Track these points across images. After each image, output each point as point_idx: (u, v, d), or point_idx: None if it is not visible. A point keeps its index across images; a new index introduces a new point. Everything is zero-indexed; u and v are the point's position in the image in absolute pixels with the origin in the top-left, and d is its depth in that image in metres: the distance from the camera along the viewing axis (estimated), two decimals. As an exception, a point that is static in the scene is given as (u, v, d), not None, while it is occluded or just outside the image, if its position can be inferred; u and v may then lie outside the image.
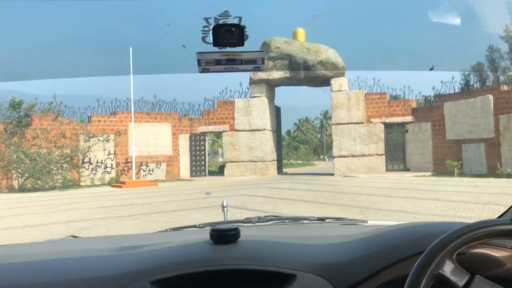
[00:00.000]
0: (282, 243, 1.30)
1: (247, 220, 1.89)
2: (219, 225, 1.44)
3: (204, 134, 26.50)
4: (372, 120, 24.11)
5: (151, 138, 24.70)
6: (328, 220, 1.94)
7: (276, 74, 25.15)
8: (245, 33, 0.93)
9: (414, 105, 24.17)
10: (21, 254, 1.49)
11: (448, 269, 0.88)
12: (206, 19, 0.96)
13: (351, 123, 24.33)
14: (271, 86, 26.65)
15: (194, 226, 1.87)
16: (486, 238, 0.90)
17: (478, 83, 24.88)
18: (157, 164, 24.91)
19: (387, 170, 24.11)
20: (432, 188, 14.66)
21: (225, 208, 2.17)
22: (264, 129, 25.51)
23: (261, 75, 25.37)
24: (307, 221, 1.92)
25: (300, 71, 24.30)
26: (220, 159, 37.38)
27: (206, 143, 26.99)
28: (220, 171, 28.36)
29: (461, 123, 21.34)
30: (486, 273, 1.09)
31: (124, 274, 1.14)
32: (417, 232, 1.23)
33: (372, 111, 24.21)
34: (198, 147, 26.29)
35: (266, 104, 25.59)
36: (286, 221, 1.96)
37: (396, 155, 24.37)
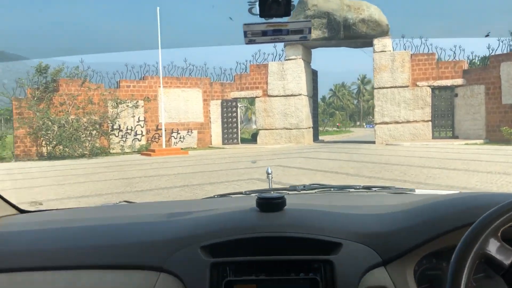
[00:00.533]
0: (327, 212, 1.30)
1: (292, 188, 1.86)
2: (265, 193, 1.40)
3: (236, 100, 25.21)
4: (418, 83, 22.08)
5: (181, 104, 23.64)
6: (374, 189, 1.89)
7: (314, 34, 23.28)
8: (292, 3, 0.94)
9: (466, 66, 21.91)
10: (78, 218, 1.60)
11: (493, 248, 0.84)
12: None
13: (395, 87, 22.39)
14: (307, 47, 24.85)
15: (241, 193, 1.87)
16: None
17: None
18: (188, 131, 23.94)
19: (433, 137, 22.22)
20: (493, 158, 12.93)
21: (270, 175, 2.14)
22: (300, 94, 23.96)
23: (297, 35, 23.63)
24: (353, 190, 1.89)
25: (339, 30, 22.35)
26: (254, 126, 36.11)
27: (239, 109, 25.72)
28: (254, 138, 27.17)
29: (521, 85, 19.10)
30: None
31: (176, 239, 1.20)
32: (465, 203, 1.20)
33: (418, 74, 22.16)
34: (230, 114, 25.08)
35: (302, 67, 23.93)
36: (332, 189, 1.95)
37: (444, 121, 22.36)
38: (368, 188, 1.90)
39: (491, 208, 0.86)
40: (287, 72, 24.04)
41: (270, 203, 1.26)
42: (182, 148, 21.61)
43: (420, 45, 22.21)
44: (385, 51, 22.43)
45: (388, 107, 22.53)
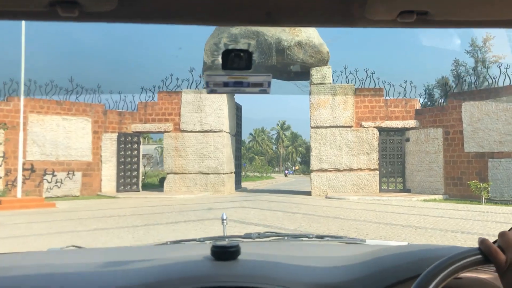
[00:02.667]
0: (281, 263, 1.30)
1: (247, 236, 1.85)
2: (219, 240, 1.51)
3: (138, 134, 19.73)
4: (363, 123, 18.18)
5: (61, 136, 17.66)
6: (327, 238, 1.92)
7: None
8: (253, 58, 0.96)
9: (418, 106, 18.45)
10: (20, 264, 1.49)
11: None
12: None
13: (336, 127, 18.30)
14: (231, 75, 20.28)
15: (195, 240, 1.85)
16: (458, 272, 0.84)
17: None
18: (68, 173, 17.86)
19: (380, 190, 18.18)
20: (477, 226, 8.72)
21: (225, 221, 2.09)
22: (221, 131, 19.08)
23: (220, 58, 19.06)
24: (306, 239, 1.91)
25: (271, 55, 18.07)
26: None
27: (141, 146, 20.17)
28: (162, 184, 21.62)
29: (488, 130, 15.72)
30: None
31: None
32: (412, 255, 1.24)
33: (363, 112, 18.30)
34: (130, 152, 19.47)
35: (223, 98, 19.19)
36: (285, 238, 1.94)
37: (393, 171, 18.48)
38: (321, 237, 1.92)
39: (437, 260, 0.85)
40: (205, 103, 19.16)
41: (224, 252, 1.26)
42: (46, 198, 15.51)
43: (365, 78, 18.50)
44: (324, 84, 18.43)
45: (328, 151, 18.28)
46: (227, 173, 19.42)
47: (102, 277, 1.24)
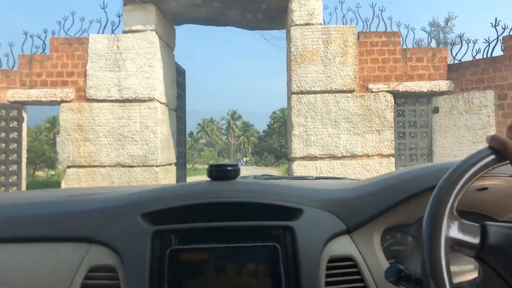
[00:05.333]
0: (286, 184, 1.21)
1: (243, 178, 1.65)
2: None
3: (19, 105, 12.42)
4: (371, 86, 11.88)
5: None
6: (329, 180, 1.84)
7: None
8: None
9: (451, 58, 12.33)
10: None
11: (455, 230, 0.75)
12: None
13: (331, 92, 11.88)
14: (167, 15, 13.34)
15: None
16: (473, 179, 0.77)
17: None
18: None
19: (396, 186, 12.00)
20: None
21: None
22: (152, 100, 12.17)
23: (147, -14, 12.20)
24: (306, 180, 1.82)
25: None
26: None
27: (24, 124, 12.81)
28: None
29: None
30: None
31: (111, 208, 1.07)
32: (427, 169, 1.15)
33: (371, 69, 12.01)
34: (4, 134, 12.17)
35: (156, 49, 12.28)
36: (284, 180, 1.83)
37: (415, 157, 12.31)
38: (324, 178, 1.89)
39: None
40: (126, 56, 12.16)
41: (222, 170, 1.16)
42: None
43: (371, 18, 12.18)
44: (311, 24, 11.93)
45: (318, 128, 11.85)
46: (163, 165, 12.58)
47: (81, 200, 1.17)
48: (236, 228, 1.03)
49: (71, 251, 1.03)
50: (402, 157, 12.24)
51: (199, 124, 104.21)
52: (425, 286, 0.72)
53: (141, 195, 1.10)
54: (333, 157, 11.82)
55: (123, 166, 12.05)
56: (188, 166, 23.83)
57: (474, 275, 0.90)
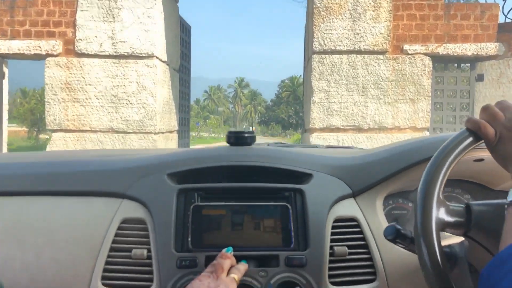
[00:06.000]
0: (297, 151, 1.31)
1: (256, 145, 1.69)
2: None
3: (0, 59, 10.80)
4: (407, 47, 10.10)
5: None
6: (338, 148, 1.96)
7: None
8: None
9: (502, 17, 10.51)
10: (33, 156, 1.51)
11: (443, 213, 0.80)
12: None
13: (359, 52, 10.13)
14: (171, -41, 11.46)
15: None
16: (455, 161, 0.81)
17: None
18: None
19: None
20: None
21: None
22: (151, 56, 10.50)
23: None
24: (318, 148, 1.90)
25: None
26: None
27: (5, 81, 11.22)
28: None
29: None
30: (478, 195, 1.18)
31: (140, 167, 1.16)
32: (428, 140, 1.20)
33: (407, 27, 10.22)
34: (-19, 91, 10.62)
35: (156, 0, 10.50)
36: (296, 148, 1.92)
37: (452, 131, 10.73)
38: (334, 147, 1.99)
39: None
40: (122, 4, 10.42)
41: (239, 137, 1.26)
42: None
43: (410, -33, 10.26)
44: (340, -28, 10.06)
45: (343, 94, 10.17)
46: (162, 133, 11.03)
47: (114, 159, 1.26)
48: (252, 189, 1.11)
49: (106, 205, 1.11)
50: (438, 132, 10.60)
51: (205, 91, 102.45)
52: (417, 244, 0.78)
53: (168, 157, 1.17)
54: (358, 129, 10.19)
55: (117, 132, 10.51)
56: (193, 134, 22.27)
57: (462, 238, 0.91)
